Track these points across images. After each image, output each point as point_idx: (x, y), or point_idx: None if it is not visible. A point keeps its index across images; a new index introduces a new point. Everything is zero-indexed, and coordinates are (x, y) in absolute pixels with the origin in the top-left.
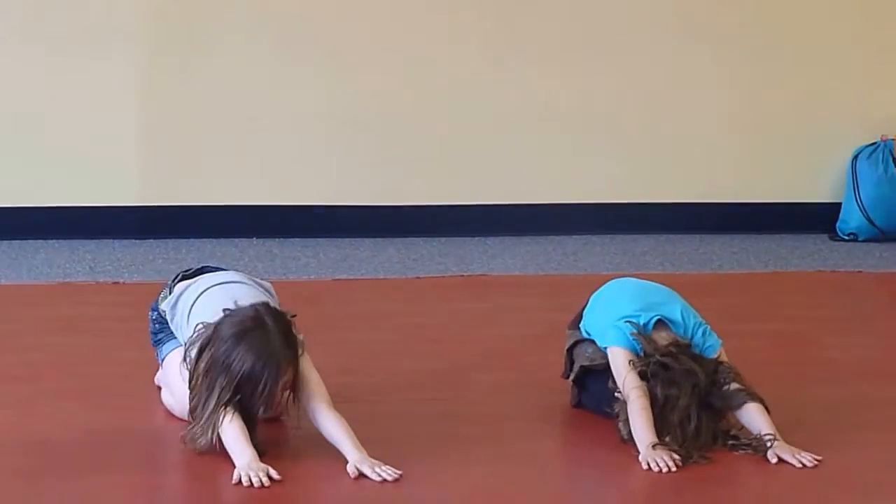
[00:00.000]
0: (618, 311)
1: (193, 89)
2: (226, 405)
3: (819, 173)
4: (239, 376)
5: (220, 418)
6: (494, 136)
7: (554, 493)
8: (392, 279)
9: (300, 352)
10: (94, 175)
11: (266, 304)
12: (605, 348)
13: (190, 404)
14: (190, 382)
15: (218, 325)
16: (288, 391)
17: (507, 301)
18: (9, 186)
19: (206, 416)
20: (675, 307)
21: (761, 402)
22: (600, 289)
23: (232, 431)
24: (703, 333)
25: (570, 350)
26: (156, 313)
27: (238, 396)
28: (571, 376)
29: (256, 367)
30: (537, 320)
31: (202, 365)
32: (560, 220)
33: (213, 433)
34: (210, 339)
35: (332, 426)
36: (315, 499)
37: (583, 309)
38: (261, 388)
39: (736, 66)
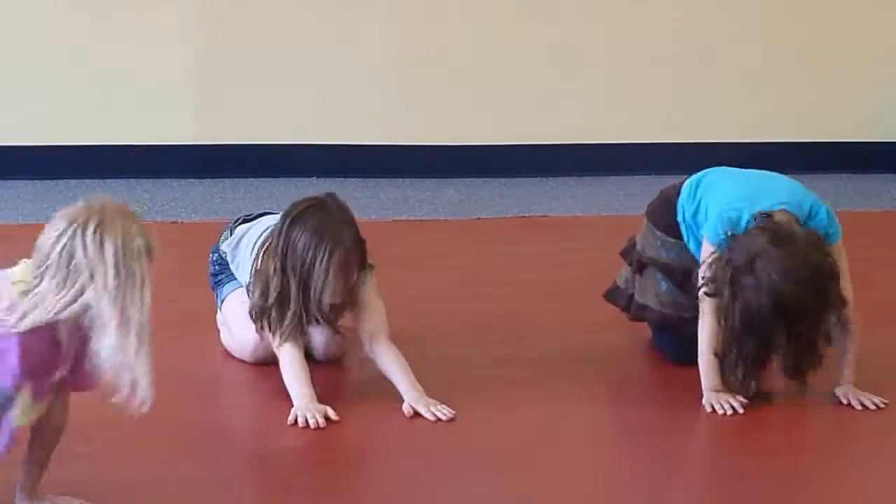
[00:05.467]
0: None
1: (250, 27)
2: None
3: (887, 111)
4: (297, 257)
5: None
6: (555, 75)
7: (609, 435)
8: (451, 220)
9: (368, 275)
10: (150, 113)
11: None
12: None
13: (250, 302)
14: (251, 277)
15: (281, 217)
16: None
17: (568, 243)
18: (65, 125)
19: (269, 311)
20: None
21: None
22: (703, 175)
23: (292, 370)
24: (828, 216)
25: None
26: (216, 255)
27: (298, 282)
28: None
29: (314, 241)
30: (598, 261)
31: (262, 253)
32: (622, 160)
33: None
34: (271, 234)
35: (390, 360)
36: (370, 440)
37: (671, 199)
38: (319, 266)
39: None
